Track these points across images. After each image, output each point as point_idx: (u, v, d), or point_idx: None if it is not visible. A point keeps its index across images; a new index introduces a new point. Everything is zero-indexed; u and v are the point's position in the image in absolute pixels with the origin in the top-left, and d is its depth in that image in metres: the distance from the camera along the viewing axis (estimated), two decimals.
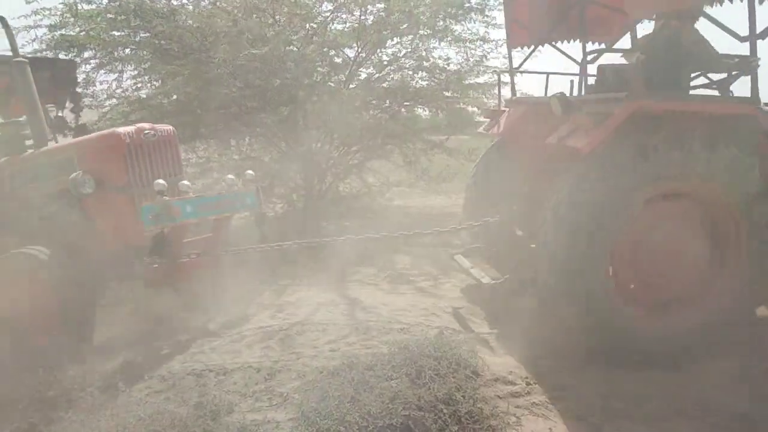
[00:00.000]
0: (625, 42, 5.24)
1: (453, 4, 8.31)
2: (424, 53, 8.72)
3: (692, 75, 4.16)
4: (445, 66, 8.86)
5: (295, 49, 7.69)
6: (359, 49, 8.34)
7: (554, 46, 4.90)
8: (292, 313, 4.51)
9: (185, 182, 4.07)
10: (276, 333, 4.11)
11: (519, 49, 5.17)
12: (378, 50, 8.67)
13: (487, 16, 8.54)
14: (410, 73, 8.80)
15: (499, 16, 8.61)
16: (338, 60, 8.43)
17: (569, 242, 3.42)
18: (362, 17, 8.21)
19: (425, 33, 8.58)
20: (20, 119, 4.52)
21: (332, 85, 8.05)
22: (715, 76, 4.23)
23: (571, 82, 4.76)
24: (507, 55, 5.21)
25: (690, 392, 3.26)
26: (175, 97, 7.62)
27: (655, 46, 4.11)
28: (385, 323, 4.19)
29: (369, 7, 8.19)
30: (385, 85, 8.65)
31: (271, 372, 3.47)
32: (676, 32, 4.06)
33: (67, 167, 4.09)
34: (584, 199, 3.41)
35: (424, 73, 8.73)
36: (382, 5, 8.11)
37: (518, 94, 5.32)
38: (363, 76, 8.76)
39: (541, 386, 3.29)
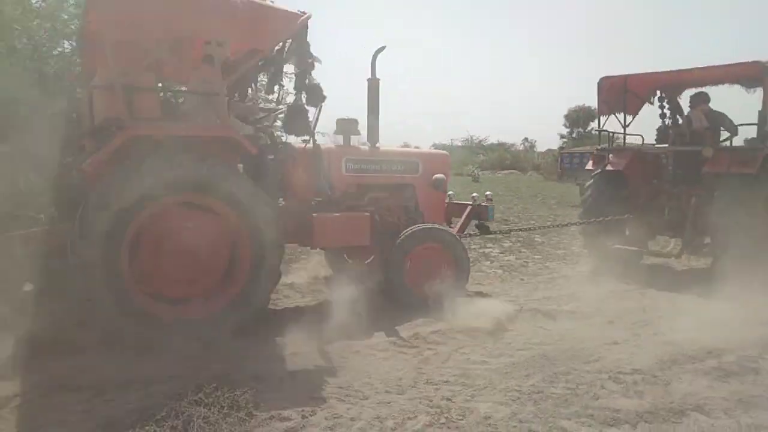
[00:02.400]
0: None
1: None
2: None
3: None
4: None
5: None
6: None
7: (615, 116, 8.10)
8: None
9: (489, 193, 6.59)
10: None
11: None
12: None
13: None
14: None
15: None
16: None
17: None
18: None
19: None
20: (353, 118, 5.67)
21: None
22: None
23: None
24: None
25: None
26: None
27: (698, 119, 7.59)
28: None
29: None
30: None
31: None
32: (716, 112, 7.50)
33: (411, 168, 5.91)
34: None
35: None
36: None
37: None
38: None
39: (317, 417, 3.29)
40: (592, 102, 8.42)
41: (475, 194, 6.49)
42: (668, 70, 7.56)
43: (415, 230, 5.41)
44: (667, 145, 7.84)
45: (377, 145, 5.78)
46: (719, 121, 7.44)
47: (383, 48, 5.54)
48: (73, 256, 3.93)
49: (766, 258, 5.92)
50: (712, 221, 6.41)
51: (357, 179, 5.62)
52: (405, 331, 4.86)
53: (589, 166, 8.12)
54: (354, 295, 4.88)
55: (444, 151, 6.87)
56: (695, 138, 7.39)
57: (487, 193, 6.57)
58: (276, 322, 4.81)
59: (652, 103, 8.40)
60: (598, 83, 7.92)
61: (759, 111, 6.80)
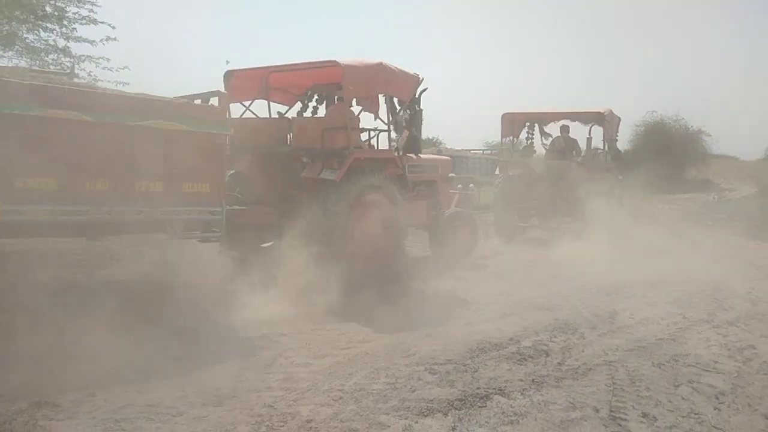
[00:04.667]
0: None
1: (23, 6, 7.15)
2: None
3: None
4: None
5: None
6: None
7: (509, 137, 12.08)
8: None
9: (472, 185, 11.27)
10: None
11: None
12: None
13: (66, 27, 7.68)
14: None
15: (80, 29, 8.25)
16: None
17: None
18: None
19: None
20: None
21: None
22: None
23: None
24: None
25: None
26: None
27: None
28: None
29: None
30: None
31: None
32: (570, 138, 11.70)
33: (435, 170, 8.38)
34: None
35: None
36: None
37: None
38: None
39: None
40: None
41: (460, 185, 9.27)
42: (537, 111, 12.11)
43: (452, 212, 8.40)
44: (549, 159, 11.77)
45: (420, 155, 8.07)
46: (573, 144, 11.64)
47: (426, 89, 7.56)
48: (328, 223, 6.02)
49: (605, 218, 9.96)
50: (575, 203, 10.58)
51: (412, 178, 7.60)
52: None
53: (497, 171, 11.91)
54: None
55: (448, 157, 9.80)
56: (560, 155, 11.53)
57: (470, 185, 9.89)
58: (72, 336, 4.24)
59: (525, 129, 12.21)
60: (501, 116, 11.72)
61: (587, 137, 11.64)
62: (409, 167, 7.54)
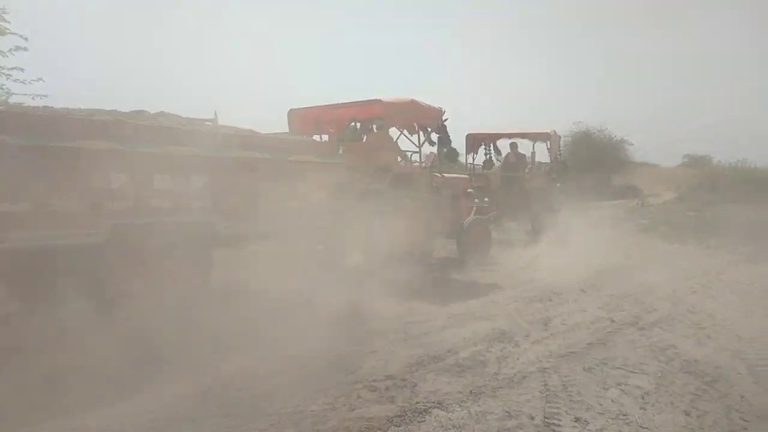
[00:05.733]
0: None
1: None
2: None
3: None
4: None
5: None
6: None
7: (471, 154, 14.44)
8: None
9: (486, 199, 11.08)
10: None
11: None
12: None
13: None
14: None
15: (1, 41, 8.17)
16: None
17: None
18: None
19: None
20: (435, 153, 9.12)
21: None
22: None
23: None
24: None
25: None
26: None
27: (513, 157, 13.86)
28: None
29: None
30: None
31: None
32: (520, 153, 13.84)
33: (457, 186, 9.85)
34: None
35: None
36: None
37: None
38: None
39: None
40: None
41: (476, 200, 10.35)
42: (493, 132, 14.32)
43: (471, 221, 9.70)
44: (504, 172, 13.73)
45: (443, 173, 9.56)
46: (522, 159, 13.52)
47: (447, 119, 8.96)
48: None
49: (551, 222, 11.63)
50: (530, 209, 12.71)
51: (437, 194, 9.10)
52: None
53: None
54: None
55: (466, 176, 11.36)
56: (513, 168, 13.44)
57: (485, 198, 10.87)
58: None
59: (483, 146, 14.39)
60: (465, 136, 14.02)
61: (532, 152, 13.65)
62: (435, 183, 9.00)
